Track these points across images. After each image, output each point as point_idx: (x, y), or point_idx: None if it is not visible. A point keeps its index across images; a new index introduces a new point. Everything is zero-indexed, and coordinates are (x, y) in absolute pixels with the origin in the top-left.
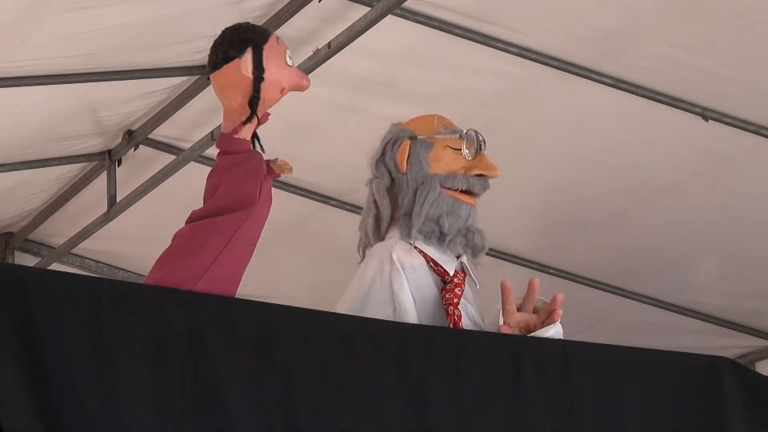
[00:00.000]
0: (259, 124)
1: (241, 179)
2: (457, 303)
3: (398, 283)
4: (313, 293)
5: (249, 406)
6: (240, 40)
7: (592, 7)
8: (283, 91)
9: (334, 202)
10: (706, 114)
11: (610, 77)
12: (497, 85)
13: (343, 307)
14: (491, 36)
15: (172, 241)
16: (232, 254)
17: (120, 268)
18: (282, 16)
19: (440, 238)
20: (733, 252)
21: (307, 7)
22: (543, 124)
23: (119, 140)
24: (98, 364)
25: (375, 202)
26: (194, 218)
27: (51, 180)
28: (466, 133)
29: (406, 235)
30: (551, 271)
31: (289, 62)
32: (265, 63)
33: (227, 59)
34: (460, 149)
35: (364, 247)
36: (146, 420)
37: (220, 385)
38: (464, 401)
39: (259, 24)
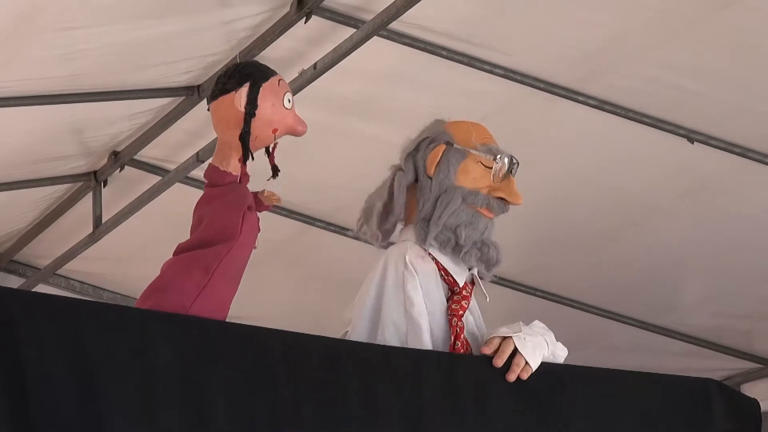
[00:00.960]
0: (273, 156)
1: (224, 212)
2: (462, 315)
3: (411, 285)
4: (298, 313)
5: (235, 429)
6: (240, 75)
7: (577, 28)
8: (275, 132)
9: (319, 223)
10: (691, 136)
11: (595, 98)
12: (483, 107)
13: (358, 309)
14: (477, 57)
15: (160, 272)
16: (216, 287)
17: (105, 289)
18: (268, 38)
19: (455, 248)
20: (719, 273)
21: (293, 28)
22: (528, 145)
23: (105, 161)
24: (82, 386)
25: (392, 192)
26: (180, 251)
27: (36, 200)
28: (502, 155)
29: (422, 240)
30: (537, 293)
31: (288, 105)
32: (260, 100)
33: (224, 91)
34: (491, 168)
35: (361, 226)
36: None
37: (205, 407)
38: (455, 423)
39: (245, 45)
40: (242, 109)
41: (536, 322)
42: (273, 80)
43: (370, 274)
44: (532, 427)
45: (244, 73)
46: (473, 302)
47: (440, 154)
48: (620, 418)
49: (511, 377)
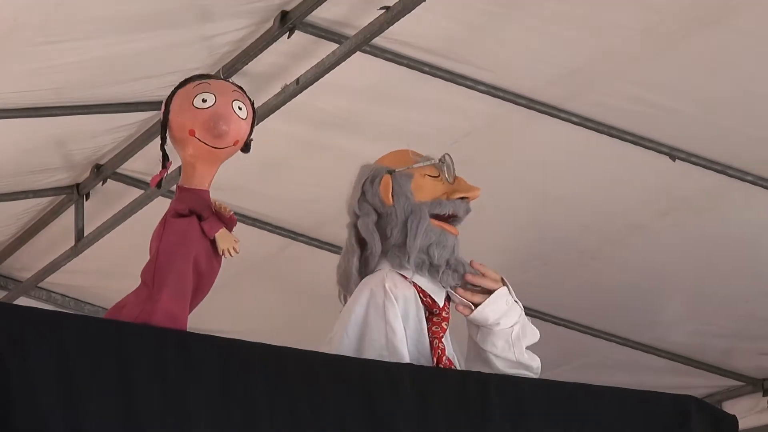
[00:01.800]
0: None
1: (171, 254)
2: (442, 336)
3: (392, 314)
4: (280, 328)
5: None
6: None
7: (560, 45)
8: (193, 133)
9: (302, 238)
10: (673, 153)
11: (577, 115)
12: (465, 123)
13: (337, 340)
14: (459, 74)
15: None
16: (157, 303)
17: (87, 302)
18: (251, 52)
19: (431, 269)
20: (701, 291)
21: (276, 43)
22: (510, 161)
23: (87, 174)
24: (63, 398)
25: (359, 242)
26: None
27: (18, 213)
28: (442, 158)
29: (398, 266)
30: None
31: (201, 105)
32: (171, 107)
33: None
34: (438, 175)
35: (345, 295)
36: None
37: (183, 419)
38: None
39: (228, 60)
40: (161, 117)
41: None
42: (189, 86)
43: (349, 305)
44: None
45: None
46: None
47: (390, 182)
48: None
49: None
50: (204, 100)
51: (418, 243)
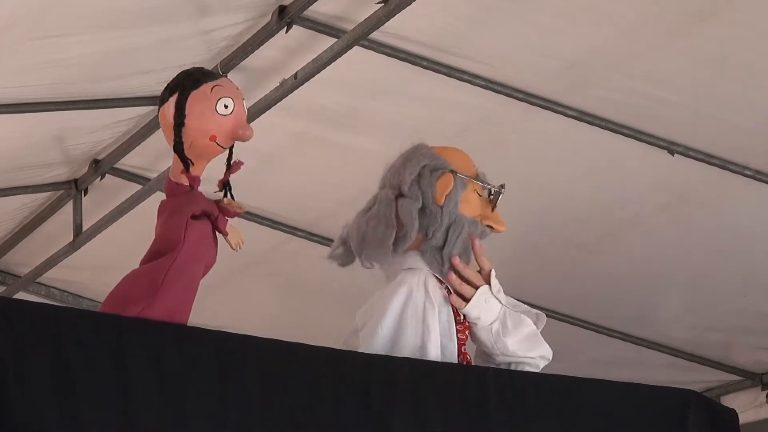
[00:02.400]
0: (229, 173)
1: (168, 222)
2: (465, 341)
3: (431, 317)
4: (279, 323)
5: None
6: (172, 85)
7: (558, 39)
8: (215, 139)
9: (301, 233)
10: (671, 147)
11: (575, 110)
12: (463, 117)
13: (369, 332)
14: (457, 68)
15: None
16: (165, 299)
17: (85, 298)
18: (249, 47)
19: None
20: (699, 286)
21: (274, 37)
22: (508, 155)
23: (85, 169)
24: (59, 392)
25: (396, 219)
26: (140, 264)
27: (16, 209)
28: (498, 187)
29: (437, 270)
30: None
31: (224, 111)
32: (188, 109)
33: (161, 102)
34: (482, 196)
35: (382, 257)
36: None
37: (180, 413)
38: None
39: (226, 54)
40: (172, 120)
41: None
42: (205, 87)
43: (386, 298)
44: None
45: (176, 82)
46: None
47: (451, 183)
48: (595, 428)
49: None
50: (226, 106)
51: (456, 251)
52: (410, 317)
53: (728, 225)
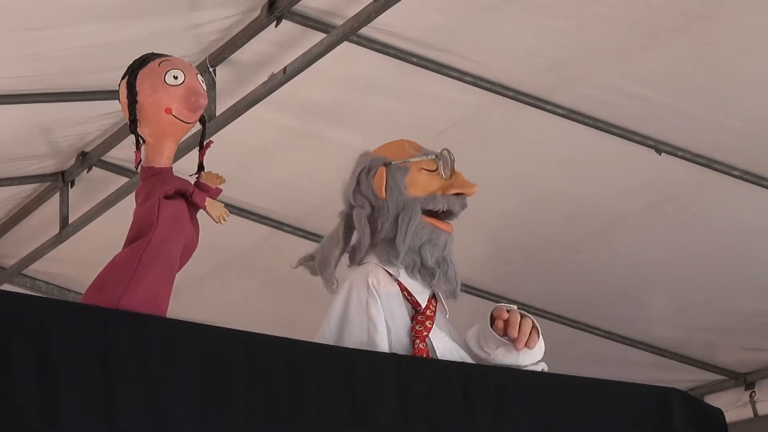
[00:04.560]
0: (202, 154)
1: (140, 206)
2: (426, 336)
3: (375, 311)
4: (264, 318)
5: (192, 428)
6: (127, 69)
7: (547, 37)
8: (170, 111)
9: (287, 228)
10: (659, 147)
11: (564, 108)
12: (451, 114)
13: (322, 333)
14: (446, 65)
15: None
16: (142, 283)
17: (71, 290)
18: (238, 41)
19: (423, 271)
20: (684, 285)
21: (263, 32)
22: (496, 153)
23: (72, 162)
24: (43, 384)
25: (346, 233)
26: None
27: (3, 200)
28: (441, 153)
29: (386, 262)
30: (502, 301)
31: (173, 81)
32: (138, 86)
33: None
34: (436, 170)
35: (327, 276)
36: None
37: (163, 406)
38: (412, 427)
39: (215, 48)
40: (126, 100)
41: None
42: (152, 63)
43: (335, 298)
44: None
45: (129, 65)
46: (440, 318)
47: (384, 174)
48: (580, 425)
49: (530, 344)
50: (175, 77)
51: (408, 241)
52: (354, 313)
53: (714, 224)
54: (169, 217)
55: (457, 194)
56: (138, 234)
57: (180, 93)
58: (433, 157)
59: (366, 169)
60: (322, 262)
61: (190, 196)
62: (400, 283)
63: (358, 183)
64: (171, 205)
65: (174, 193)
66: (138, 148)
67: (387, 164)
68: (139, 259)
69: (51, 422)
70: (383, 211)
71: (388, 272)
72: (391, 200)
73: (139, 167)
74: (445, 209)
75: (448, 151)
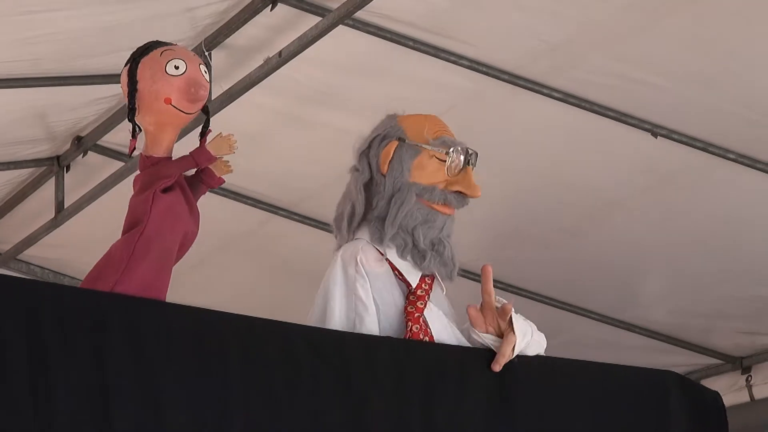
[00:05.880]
0: (203, 142)
1: (135, 196)
2: (419, 317)
3: (363, 290)
4: (259, 303)
5: (185, 411)
6: (129, 56)
7: (543, 20)
8: (170, 102)
9: (283, 212)
10: (655, 130)
11: (560, 91)
12: (447, 97)
13: (313, 311)
14: (442, 48)
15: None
16: (136, 272)
17: (66, 275)
18: (233, 25)
19: (413, 251)
20: (680, 269)
21: (258, 16)
22: (492, 137)
23: (68, 146)
24: (35, 367)
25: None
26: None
27: None
28: (453, 150)
29: (377, 240)
30: (498, 285)
31: (175, 72)
32: (139, 75)
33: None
34: (445, 162)
35: (342, 235)
36: (83, 424)
37: (159, 389)
38: (406, 410)
39: (210, 32)
40: (127, 88)
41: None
42: (154, 53)
43: (325, 275)
44: (483, 416)
45: (131, 54)
46: (438, 293)
47: (392, 151)
48: (577, 409)
49: (496, 368)
50: (176, 67)
51: (398, 224)
52: (341, 291)
53: (710, 208)
54: (162, 210)
55: (458, 192)
56: (133, 224)
57: (180, 83)
58: (445, 151)
59: (381, 137)
60: (337, 219)
61: (202, 173)
62: (390, 263)
63: (369, 146)
64: (166, 198)
65: (172, 184)
66: (134, 136)
67: (401, 139)
68: (132, 248)
69: (43, 404)
70: (380, 188)
71: (379, 251)
72: (389, 178)
73: (139, 155)
74: (441, 203)
75: (467, 150)
